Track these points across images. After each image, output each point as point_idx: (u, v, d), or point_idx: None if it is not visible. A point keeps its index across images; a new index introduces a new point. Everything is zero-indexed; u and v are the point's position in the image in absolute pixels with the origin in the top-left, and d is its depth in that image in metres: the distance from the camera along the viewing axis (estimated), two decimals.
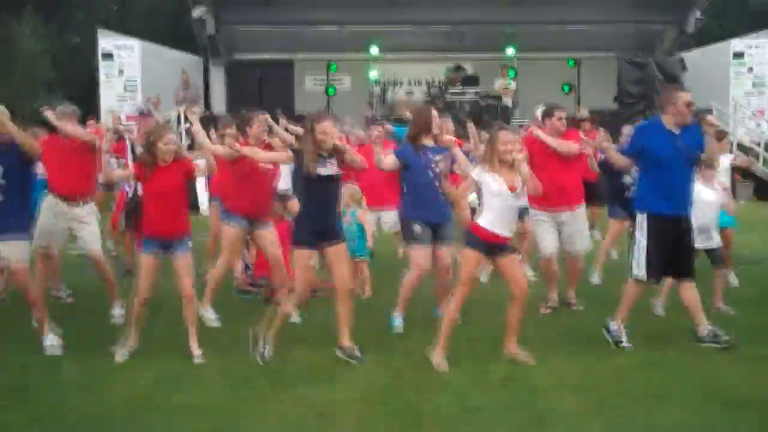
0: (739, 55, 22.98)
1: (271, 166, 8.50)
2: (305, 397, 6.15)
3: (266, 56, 25.06)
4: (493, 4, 23.07)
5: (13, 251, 7.42)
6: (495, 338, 7.46)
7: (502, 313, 7.24)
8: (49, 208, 8.57)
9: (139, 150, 9.97)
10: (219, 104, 24.46)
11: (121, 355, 7.12)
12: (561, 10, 23.19)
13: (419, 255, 8.05)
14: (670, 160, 7.31)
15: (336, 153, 7.06)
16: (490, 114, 20.66)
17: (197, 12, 23.57)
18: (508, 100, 21.91)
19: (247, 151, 7.99)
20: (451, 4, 22.75)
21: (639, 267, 7.45)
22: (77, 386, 6.47)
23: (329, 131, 6.99)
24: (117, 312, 8.54)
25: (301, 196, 7.20)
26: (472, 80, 23.03)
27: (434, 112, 8.29)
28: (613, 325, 7.48)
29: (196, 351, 7.16)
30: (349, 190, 9.20)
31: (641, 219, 7.54)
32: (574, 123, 9.16)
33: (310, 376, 6.65)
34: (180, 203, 7.33)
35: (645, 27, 25.13)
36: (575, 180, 8.92)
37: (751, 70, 22.92)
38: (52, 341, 7.41)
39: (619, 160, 7.88)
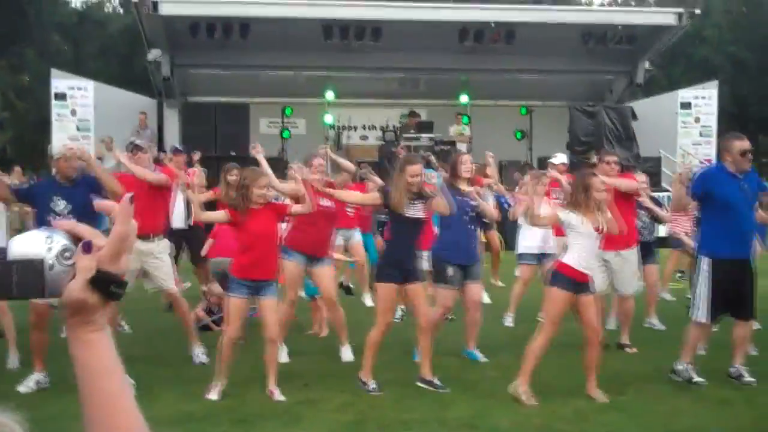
0: (686, 105, 23.48)
1: (331, 204, 8.41)
2: None
3: (221, 99, 25.06)
4: (448, 52, 23.36)
5: None
6: (457, 379, 7.50)
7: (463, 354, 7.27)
8: None
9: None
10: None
11: (214, 394, 7.08)
12: (514, 60, 23.54)
13: (447, 295, 8.30)
14: (736, 204, 7.43)
15: (423, 197, 7.32)
16: (444, 160, 20.81)
17: (152, 55, 23.53)
18: (462, 146, 22.12)
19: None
20: (406, 51, 22.99)
21: (700, 310, 7.55)
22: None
23: (419, 173, 7.27)
24: (198, 352, 8.46)
25: (389, 234, 7.54)
26: (426, 126, 23.24)
27: (463, 157, 8.48)
28: (680, 365, 7.59)
29: (275, 390, 7.11)
30: None
31: (703, 263, 7.64)
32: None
33: (273, 415, 6.61)
34: (271, 247, 7.33)
35: (596, 77, 25.62)
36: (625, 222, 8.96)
37: (698, 120, 23.40)
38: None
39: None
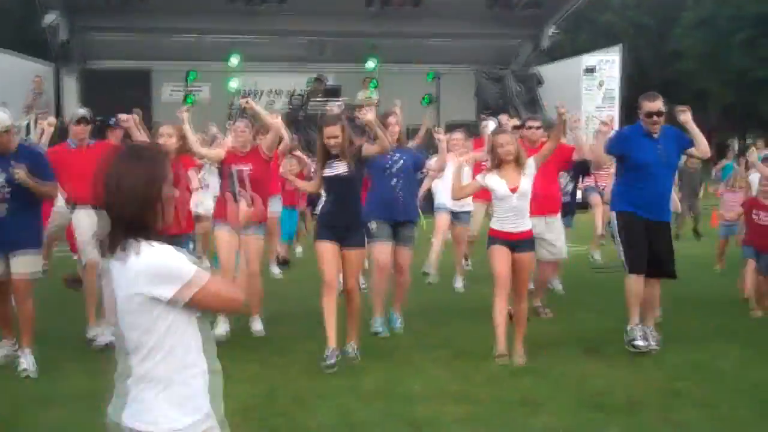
0: (590, 70, 23.69)
1: (246, 167, 8.10)
2: None
3: (122, 64, 24.32)
4: (354, 15, 23.11)
5: (23, 265, 6.97)
6: (370, 347, 7.43)
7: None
8: (81, 220, 7.92)
9: None
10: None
11: None
12: (421, 23, 23.44)
13: (378, 251, 8.23)
14: (651, 166, 7.41)
15: (350, 154, 7.19)
16: (353, 125, 20.65)
17: (48, 19, 22.63)
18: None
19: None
20: (312, 15, 22.63)
21: (625, 263, 7.53)
22: None
23: (336, 134, 7.13)
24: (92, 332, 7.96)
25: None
26: (333, 92, 23.01)
27: (392, 118, 8.42)
28: (627, 327, 7.47)
29: None
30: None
31: (614, 218, 7.70)
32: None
33: None
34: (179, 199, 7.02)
35: (502, 42, 25.68)
36: (550, 189, 8.77)
37: (601, 84, 23.67)
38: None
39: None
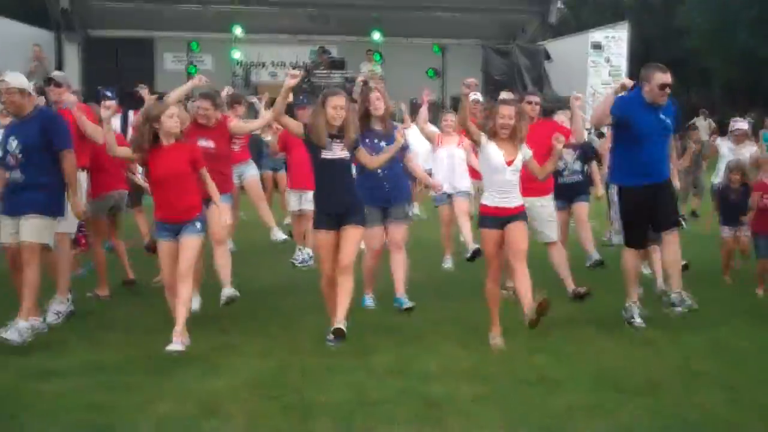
0: (597, 46, 23.49)
1: (210, 144, 7.99)
2: (186, 388, 5.78)
3: (124, 33, 24.04)
4: None
5: (29, 230, 6.83)
6: (380, 324, 7.27)
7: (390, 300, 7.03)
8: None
9: None
10: (73, 83, 23.26)
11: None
12: None
13: (368, 236, 7.93)
14: (649, 135, 7.37)
15: (354, 131, 6.95)
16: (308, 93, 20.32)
17: None
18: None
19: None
20: None
21: (618, 234, 7.62)
22: None
23: (342, 105, 6.83)
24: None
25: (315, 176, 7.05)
26: (338, 63, 22.76)
27: (374, 94, 8.05)
28: (626, 303, 7.57)
29: (178, 338, 6.62)
30: None
31: (613, 190, 7.80)
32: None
33: (189, 364, 6.27)
34: (184, 186, 6.85)
35: (509, 16, 25.41)
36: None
37: (608, 60, 23.46)
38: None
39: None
